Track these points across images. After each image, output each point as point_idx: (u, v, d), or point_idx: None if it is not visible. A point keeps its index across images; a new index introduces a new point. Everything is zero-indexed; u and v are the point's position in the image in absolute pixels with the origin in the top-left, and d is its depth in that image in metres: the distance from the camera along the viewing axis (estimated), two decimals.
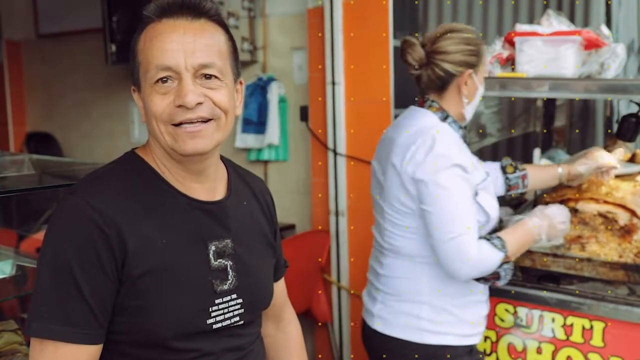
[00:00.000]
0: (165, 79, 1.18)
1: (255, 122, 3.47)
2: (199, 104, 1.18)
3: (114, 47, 3.72)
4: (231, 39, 1.27)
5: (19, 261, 2.08)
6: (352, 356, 3.24)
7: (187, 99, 1.16)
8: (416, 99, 2.04)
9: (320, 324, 3.34)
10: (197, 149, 1.20)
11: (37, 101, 4.78)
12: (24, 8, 4.58)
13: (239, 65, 1.28)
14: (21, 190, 1.87)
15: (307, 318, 3.27)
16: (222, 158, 1.37)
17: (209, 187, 1.29)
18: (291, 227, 3.44)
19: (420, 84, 2.00)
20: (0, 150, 2.85)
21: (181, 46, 1.17)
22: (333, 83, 3.10)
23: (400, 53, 2.00)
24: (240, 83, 1.30)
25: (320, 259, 3.23)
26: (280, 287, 1.52)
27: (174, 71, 1.17)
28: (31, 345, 1.16)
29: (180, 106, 1.17)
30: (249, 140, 3.51)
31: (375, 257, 2.12)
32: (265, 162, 3.53)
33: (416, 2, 3.28)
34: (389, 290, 2.02)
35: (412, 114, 2.01)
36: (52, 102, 4.66)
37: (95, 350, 1.16)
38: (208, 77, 1.19)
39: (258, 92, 3.45)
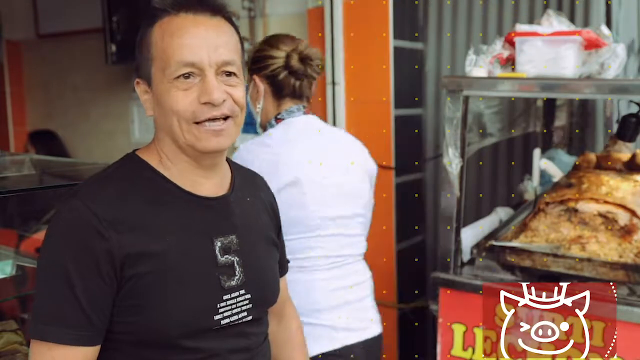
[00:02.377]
0: (187, 75, 1.17)
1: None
2: (224, 101, 1.19)
3: (114, 47, 3.72)
4: (241, 39, 1.28)
5: (19, 261, 2.08)
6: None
7: (215, 96, 1.17)
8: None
9: None
10: (220, 146, 1.21)
11: (37, 101, 4.78)
12: (24, 8, 4.58)
13: (244, 64, 1.31)
14: (21, 190, 1.87)
15: None
16: None
17: (217, 182, 1.29)
18: None
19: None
20: (1, 150, 2.84)
21: (204, 42, 1.17)
22: (333, 83, 3.09)
23: None
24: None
25: None
26: (282, 284, 1.52)
27: (197, 67, 1.17)
28: (30, 347, 1.17)
29: (206, 103, 1.17)
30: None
31: None
32: None
33: (416, 2, 3.28)
34: None
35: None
36: (52, 102, 4.66)
37: (92, 351, 1.16)
38: (228, 74, 1.20)
39: None
